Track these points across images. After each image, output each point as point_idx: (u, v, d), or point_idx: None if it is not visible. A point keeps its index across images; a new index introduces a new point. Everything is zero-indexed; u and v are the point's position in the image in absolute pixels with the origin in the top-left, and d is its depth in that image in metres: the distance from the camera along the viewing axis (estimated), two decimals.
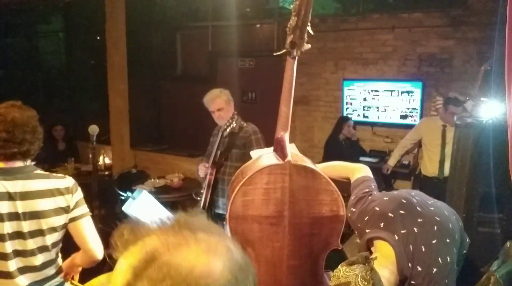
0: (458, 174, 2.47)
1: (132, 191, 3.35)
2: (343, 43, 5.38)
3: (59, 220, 1.80)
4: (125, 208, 2.85)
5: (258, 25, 5.95)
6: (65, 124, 5.49)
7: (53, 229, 1.80)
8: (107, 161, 5.28)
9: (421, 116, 4.92)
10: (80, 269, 2.07)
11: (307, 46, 1.64)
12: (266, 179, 1.65)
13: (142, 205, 2.98)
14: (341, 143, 4.95)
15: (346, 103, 5.42)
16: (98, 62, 5.70)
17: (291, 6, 1.54)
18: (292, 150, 1.83)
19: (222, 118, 3.11)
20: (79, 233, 1.86)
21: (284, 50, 1.66)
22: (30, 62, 7.64)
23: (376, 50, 5.20)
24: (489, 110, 2.53)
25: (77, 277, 2.08)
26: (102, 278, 2.13)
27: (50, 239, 1.80)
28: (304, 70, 5.43)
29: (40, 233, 1.77)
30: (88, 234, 1.86)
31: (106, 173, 5.09)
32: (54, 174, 1.87)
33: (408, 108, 5.06)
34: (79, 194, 1.87)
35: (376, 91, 5.22)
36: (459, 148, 2.47)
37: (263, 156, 1.86)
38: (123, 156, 5.27)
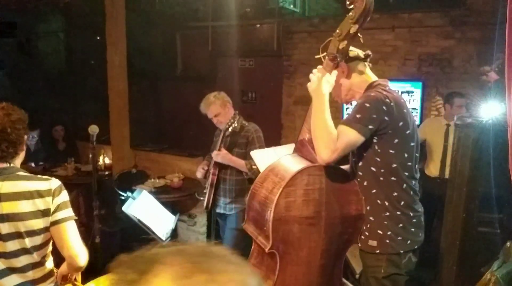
0: (458, 174, 2.47)
1: (132, 191, 3.36)
2: None
3: (38, 223, 1.74)
4: (125, 208, 2.85)
5: (258, 25, 5.93)
6: (65, 124, 5.48)
7: (33, 232, 1.74)
8: (107, 161, 5.26)
9: (421, 116, 4.91)
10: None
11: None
12: (306, 180, 1.70)
13: (142, 205, 2.99)
14: None
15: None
16: (98, 62, 5.68)
17: (349, 13, 1.64)
18: None
19: (221, 123, 3.13)
20: (61, 238, 1.77)
21: (324, 54, 1.77)
22: (30, 62, 7.63)
23: (376, 50, 5.18)
24: (489, 110, 2.53)
25: (79, 277, 2.03)
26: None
27: (30, 242, 1.75)
28: (304, 70, 5.42)
29: (18, 235, 1.72)
30: (70, 238, 1.77)
31: (106, 173, 5.08)
32: (39, 176, 1.81)
33: None
34: (62, 197, 1.79)
35: None
36: (459, 148, 2.47)
37: (290, 158, 1.88)
38: (123, 156, 5.25)
